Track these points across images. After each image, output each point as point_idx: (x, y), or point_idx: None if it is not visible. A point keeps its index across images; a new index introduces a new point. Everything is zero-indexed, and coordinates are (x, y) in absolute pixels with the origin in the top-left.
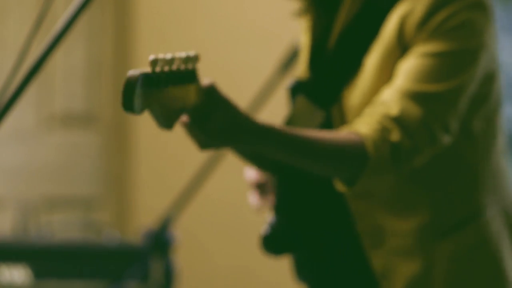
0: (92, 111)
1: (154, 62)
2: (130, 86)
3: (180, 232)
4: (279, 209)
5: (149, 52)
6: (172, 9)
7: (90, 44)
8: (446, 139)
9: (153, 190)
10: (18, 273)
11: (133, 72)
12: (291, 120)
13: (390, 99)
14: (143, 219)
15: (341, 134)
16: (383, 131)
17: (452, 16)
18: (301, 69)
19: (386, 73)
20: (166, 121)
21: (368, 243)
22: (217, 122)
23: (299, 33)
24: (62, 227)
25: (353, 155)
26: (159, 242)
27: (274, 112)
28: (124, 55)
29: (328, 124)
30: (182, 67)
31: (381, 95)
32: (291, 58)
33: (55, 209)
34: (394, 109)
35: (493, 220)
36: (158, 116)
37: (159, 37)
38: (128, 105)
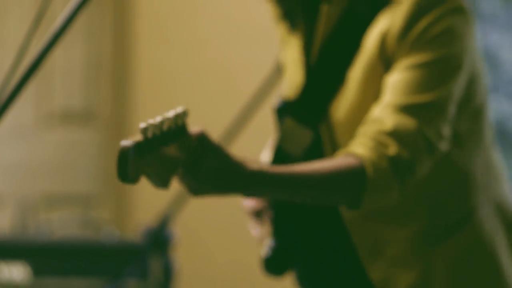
0: (91, 108)
1: (144, 130)
2: (123, 157)
3: (179, 230)
4: (277, 230)
5: (150, 52)
6: (171, 7)
7: (89, 42)
8: (443, 146)
9: (152, 188)
10: (17, 271)
11: (125, 142)
12: (280, 143)
13: (382, 115)
14: (142, 216)
15: (337, 160)
16: (380, 147)
17: (431, 25)
18: (286, 85)
19: (370, 86)
20: (162, 182)
21: (364, 254)
22: (209, 169)
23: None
24: (61, 225)
25: (351, 179)
26: (158, 239)
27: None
28: (123, 53)
29: (317, 142)
30: (172, 126)
31: (372, 113)
32: None
33: (54, 207)
34: (387, 124)
35: (486, 218)
36: (154, 179)
37: (158, 35)
38: (124, 175)
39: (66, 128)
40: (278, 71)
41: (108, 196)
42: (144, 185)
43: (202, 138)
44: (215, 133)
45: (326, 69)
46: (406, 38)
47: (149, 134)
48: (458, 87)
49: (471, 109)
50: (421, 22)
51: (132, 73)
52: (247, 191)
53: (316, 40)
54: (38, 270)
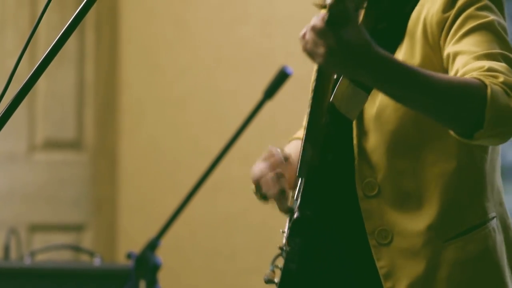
0: (78, 136)
1: None
2: None
3: (165, 257)
4: (304, 198)
5: (135, 79)
6: (157, 35)
7: (77, 70)
8: None
9: (140, 216)
10: None
11: None
12: (334, 101)
13: (468, 64)
14: (130, 244)
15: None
16: (489, 77)
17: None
18: None
19: None
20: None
21: (375, 242)
22: (352, 35)
23: (286, 57)
24: (48, 252)
25: (475, 91)
26: (145, 266)
27: (261, 134)
28: (111, 82)
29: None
30: None
31: (457, 67)
32: (277, 82)
33: (41, 234)
34: (481, 65)
35: (498, 230)
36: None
37: (144, 63)
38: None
39: (53, 156)
40: (266, 99)
41: (96, 224)
42: (131, 213)
43: (348, 7)
44: (202, 161)
45: None
46: (452, 9)
47: None
48: None
49: None
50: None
51: (119, 101)
52: (375, 72)
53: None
54: None
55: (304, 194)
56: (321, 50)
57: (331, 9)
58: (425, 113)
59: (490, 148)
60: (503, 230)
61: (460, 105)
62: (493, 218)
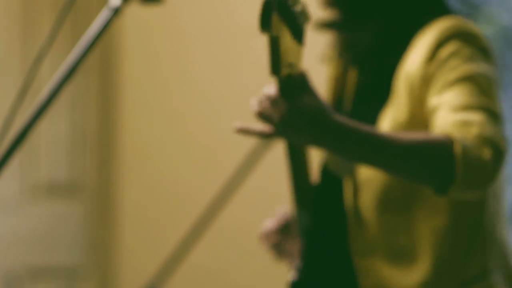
0: (76, 180)
1: None
2: (267, 7)
3: None
4: (308, 255)
5: (133, 122)
6: (155, 80)
7: (74, 114)
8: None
9: (137, 260)
10: None
11: None
12: (327, 164)
13: (446, 116)
14: None
15: (423, 134)
16: (462, 128)
17: (458, 50)
18: None
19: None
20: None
21: None
22: (304, 104)
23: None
24: None
25: (441, 147)
26: None
27: (261, 178)
28: (108, 125)
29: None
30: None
31: (435, 121)
32: None
33: (39, 279)
34: (457, 117)
35: (497, 285)
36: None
37: (143, 107)
38: (266, 24)
39: (51, 200)
40: (263, 145)
41: (93, 268)
42: (129, 257)
43: (306, 76)
44: (201, 205)
45: (358, 117)
46: (434, 61)
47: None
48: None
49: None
50: (447, 46)
51: (117, 145)
52: (331, 140)
53: (349, 90)
54: None
55: (303, 255)
56: (274, 118)
57: (281, 78)
58: (393, 173)
59: (491, 198)
60: (509, 285)
61: (427, 163)
62: (493, 272)
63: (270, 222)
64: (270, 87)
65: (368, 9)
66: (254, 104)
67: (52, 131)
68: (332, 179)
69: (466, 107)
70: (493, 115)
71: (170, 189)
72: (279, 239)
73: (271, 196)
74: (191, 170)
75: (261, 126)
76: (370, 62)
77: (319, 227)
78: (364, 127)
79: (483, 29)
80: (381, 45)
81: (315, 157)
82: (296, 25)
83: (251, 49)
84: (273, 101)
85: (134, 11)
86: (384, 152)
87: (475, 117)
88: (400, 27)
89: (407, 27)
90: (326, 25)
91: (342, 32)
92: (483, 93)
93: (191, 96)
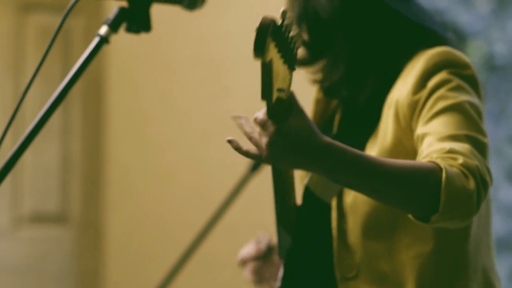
0: (63, 210)
1: (283, 14)
2: (264, 30)
3: None
4: (287, 277)
5: (121, 152)
6: (144, 109)
7: (61, 143)
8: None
9: (128, 286)
10: None
11: (266, 20)
12: (310, 186)
13: (432, 146)
14: None
15: (411, 161)
16: (447, 159)
17: (447, 80)
18: None
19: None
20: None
21: None
22: (293, 127)
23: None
24: None
25: (429, 175)
26: None
27: (247, 207)
28: (96, 155)
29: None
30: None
31: (422, 149)
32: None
33: None
34: (443, 146)
35: None
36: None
37: (129, 136)
38: (260, 48)
39: (38, 229)
40: (251, 173)
41: None
42: (115, 286)
43: (294, 98)
44: (189, 234)
45: (344, 139)
46: (422, 90)
47: (286, 22)
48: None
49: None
50: (436, 76)
51: (104, 174)
52: (319, 163)
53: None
54: None
55: (284, 277)
56: (263, 141)
57: (272, 102)
58: (378, 200)
59: (475, 226)
60: None
61: (412, 190)
62: None
63: (248, 248)
64: (260, 112)
65: (333, 38)
66: (243, 125)
67: (39, 160)
68: (315, 202)
69: (453, 137)
70: (479, 145)
71: (157, 218)
72: (259, 265)
73: (257, 225)
74: (176, 199)
75: (251, 148)
76: (342, 92)
77: (302, 250)
78: (352, 150)
79: (470, 58)
80: (353, 76)
81: (298, 179)
82: (289, 50)
83: (236, 78)
84: (262, 125)
85: (120, 41)
86: (371, 177)
87: (461, 146)
88: (371, 55)
89: (389, 56)
90: (300, 64)
91: (313, 65)
92: (470, 123)
93: (177, 125)
